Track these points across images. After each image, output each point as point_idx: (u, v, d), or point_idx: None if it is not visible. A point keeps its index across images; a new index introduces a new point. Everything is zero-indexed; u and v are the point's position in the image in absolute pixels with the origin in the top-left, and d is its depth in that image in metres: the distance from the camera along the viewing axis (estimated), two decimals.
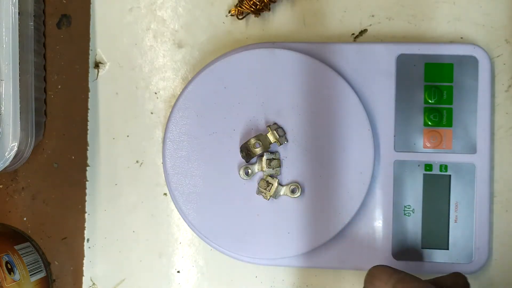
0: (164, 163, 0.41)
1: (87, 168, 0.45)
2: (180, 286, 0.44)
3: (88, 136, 0.45)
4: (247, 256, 0.41)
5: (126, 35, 0.45)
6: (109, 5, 0.45)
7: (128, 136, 0.45)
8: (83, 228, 0.45)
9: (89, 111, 0.45)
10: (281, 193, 0.40)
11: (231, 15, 0.43)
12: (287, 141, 0.40)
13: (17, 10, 0.39)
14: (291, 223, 0.40)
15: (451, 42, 0.43)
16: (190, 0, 0.45)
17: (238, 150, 0.40)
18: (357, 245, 0.41)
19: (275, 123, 0.40)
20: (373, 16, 0.43)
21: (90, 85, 0.45)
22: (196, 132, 0.41)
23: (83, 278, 0.45)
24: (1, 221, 0.45)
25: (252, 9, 0.42)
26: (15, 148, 0.39)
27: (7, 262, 0.41)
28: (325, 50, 0.41)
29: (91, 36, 0.45)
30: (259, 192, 0.40)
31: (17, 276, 0.41)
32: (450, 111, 0.41)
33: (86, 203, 0.45)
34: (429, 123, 0.41)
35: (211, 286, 0.44)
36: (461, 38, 0.43)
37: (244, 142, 0.40)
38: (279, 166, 0.40)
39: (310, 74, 0.40)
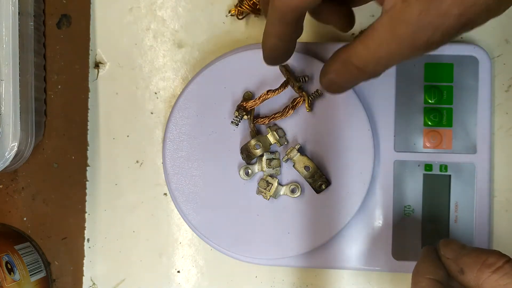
0: (164, 163, 0.41)
1: (87, 168, 0.45)
2: (180, 286, 0.44)
3: (88, 136, 0.45)
4: (247, 256, 0.41)
5: (126, 35, 0.45)
6: (109, 5, 0.45)
7: (128, 136, 0.45)
8: (83, 228, 0.45)
9: (89, 111, 0.45)
10: (281, 193, 0.40)
11: (231, 15, 0.43)
12: (287, 142, 0.40)
13: (17, 10, 0.39)
14: (291, 223, 0.40)
15: (451, 42, 0.43)
16: (190, 0, 0.45)
17: (238, 150, 0.40)
18: (357, 245, 0.41)
19: (275, 124, 0.40)
20: (373, 16, 0.43)
21: (90, 85, 0.45)
22: (196, 132, 0.41)
23: (83, 278, 0.45)
24: (1, 221, 0.45)
25: (252, 9, 0.42)
26: (15, 148, 0.39)
27: (7, 262, 0.41)
28: (325, 50, 0.41)
29: (91, 36, 0.45)
30: (259, 192, 0.40)
31: (17, 276, 0.41)
32: (450, 111, 0.41)
33: (86, 203, 0.45)
34: (429, 123, 0.41)
35: (211, 286, 0.44)
36: (461, 38, 0.43)
37: (244, 143, 0.40)
38: (279, 166, 0.40)
39: (310, 74, 0.40)
